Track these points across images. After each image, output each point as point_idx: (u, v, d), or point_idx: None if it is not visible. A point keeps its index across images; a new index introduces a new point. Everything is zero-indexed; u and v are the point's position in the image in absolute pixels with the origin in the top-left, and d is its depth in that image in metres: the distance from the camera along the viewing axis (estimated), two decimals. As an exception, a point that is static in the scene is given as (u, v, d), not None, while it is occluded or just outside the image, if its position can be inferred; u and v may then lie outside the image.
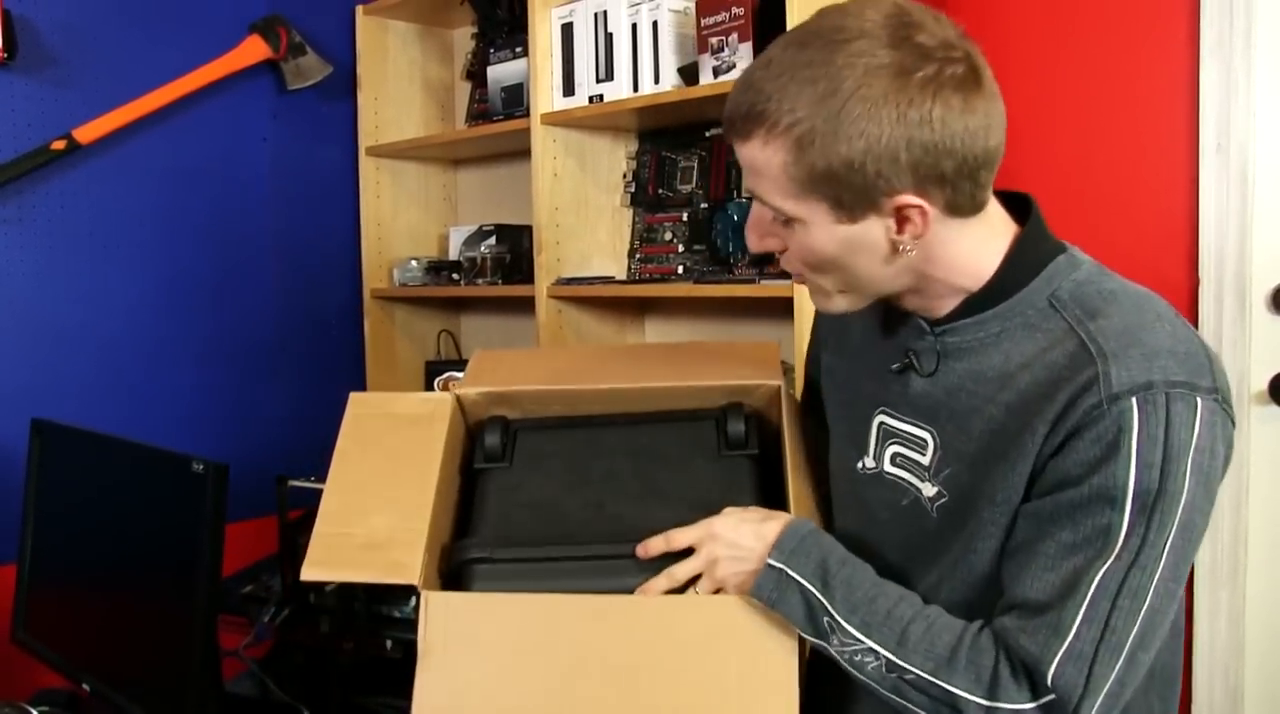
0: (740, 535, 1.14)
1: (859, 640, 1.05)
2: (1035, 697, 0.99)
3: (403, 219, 2.97)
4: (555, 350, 1.29)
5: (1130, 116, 1.94)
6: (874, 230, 1.02)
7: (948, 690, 1.01)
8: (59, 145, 2.34)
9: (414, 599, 1.69)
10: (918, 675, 1.03)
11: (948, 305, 1.09)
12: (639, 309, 2.60)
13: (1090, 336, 1.01)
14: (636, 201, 2.50)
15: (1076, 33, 1.99)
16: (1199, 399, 0.97)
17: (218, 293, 2.67)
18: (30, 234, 2.35)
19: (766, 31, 1.96)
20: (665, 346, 1.34)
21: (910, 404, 1.13)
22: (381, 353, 2.94)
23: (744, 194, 1.74)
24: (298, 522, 1.70)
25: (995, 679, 1.00)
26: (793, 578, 1.09)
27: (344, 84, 2.85)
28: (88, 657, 1.68)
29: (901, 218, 1.01)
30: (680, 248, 2.37)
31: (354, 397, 1.34)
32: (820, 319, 1.35)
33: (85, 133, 2.37)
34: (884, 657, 1.04)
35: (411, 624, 1.65)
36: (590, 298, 2.46)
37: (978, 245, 1.07)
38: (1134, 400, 0.96)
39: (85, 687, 1.65)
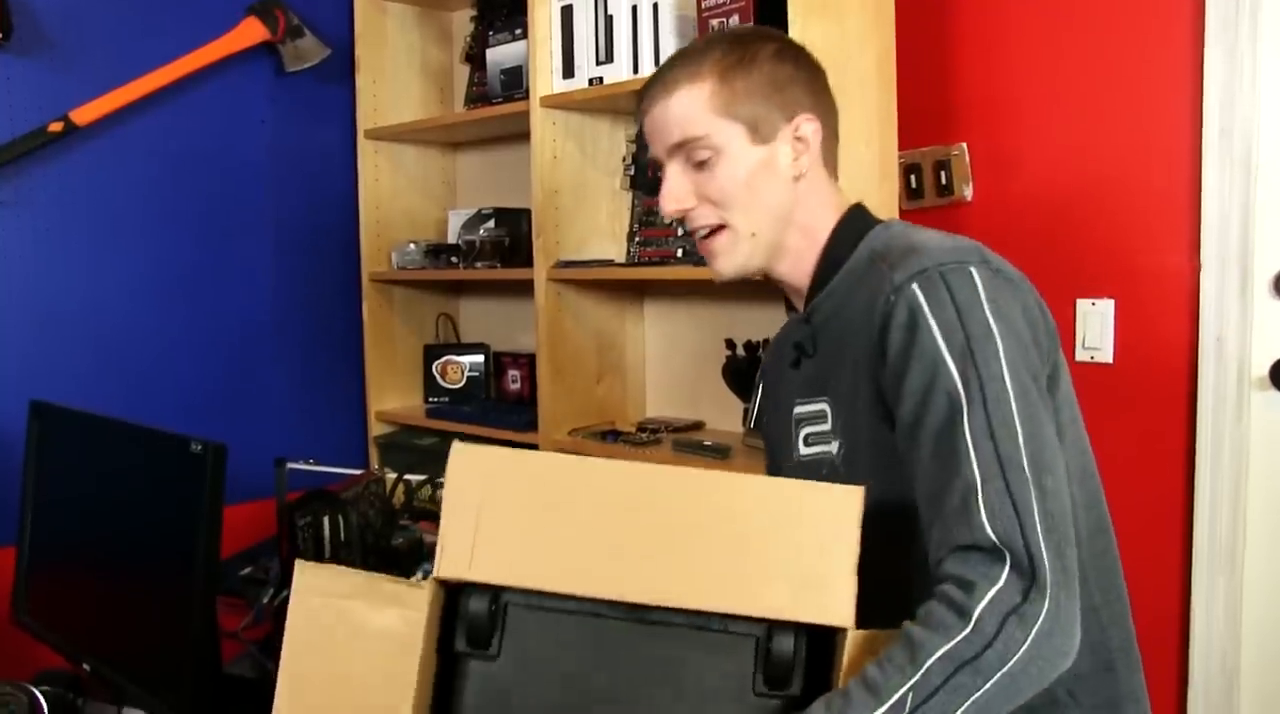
0: None
1: None
2: (994, 572, 0.98)
3: (401, 202, 2.96)
4: (574, 499, 1.06)
5: (1133, 100, 1.93)
6: (780, 153, 1.24)
7: (943, 657, 0.97)
8: (56, 127, 2.33)
9: (413, 579, 1.70)
10: (922, 681, 0.97)
11: (805, 271, 1.28)
12: (638, 292, 2.59)
13: (889, 265, 1.16)
14: (636, 184, 2.49)
15: (1079, 17, 1.99)
16: (971, 268, 1.11)
17: (216, 275, 2.66)
18: (27, 217, 2.35)
19: (767, 13, 1.96)
20: (728, 509, 1.05)
21: (807, 385, 1.28)
22: (380, 336, 2.94)
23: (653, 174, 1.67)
24: (296, 503, 1.70)
25: (952, 605, 0.98)
26: None
27: (342, 66, 2.84)
28: (88, 638, 1.68)
29: (800, 139, 1.24)
30: (680, 231, 2.37)
31: (301, 565, 1.16)
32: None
33: (82, 114, 2.36)
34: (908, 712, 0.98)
35: (410, 606, 1.65)
36: (589, 281, 2.46)
37: (828, 199, 1.28)
38: (914, 285, 1.11)
39: (86, 667, 1.65)
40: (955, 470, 1.03)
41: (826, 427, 1.25)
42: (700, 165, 1.24)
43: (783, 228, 1.26)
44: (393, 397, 2.95)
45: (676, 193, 1.26)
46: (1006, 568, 0.98)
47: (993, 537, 0.99)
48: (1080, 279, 1.99)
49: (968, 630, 0.97)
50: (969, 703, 0.97)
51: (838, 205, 1.29)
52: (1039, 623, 0.97)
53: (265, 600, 1.71)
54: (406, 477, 1.88)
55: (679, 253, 2.34)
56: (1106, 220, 1.94)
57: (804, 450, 1.28)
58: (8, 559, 1.91)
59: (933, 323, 1.09)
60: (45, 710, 1.49)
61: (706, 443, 2.22)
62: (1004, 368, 1.06)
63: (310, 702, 1.11)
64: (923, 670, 0.97)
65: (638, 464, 1.10)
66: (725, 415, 2.40)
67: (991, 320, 1.08)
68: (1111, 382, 1.97)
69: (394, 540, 1.73)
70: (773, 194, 1.25)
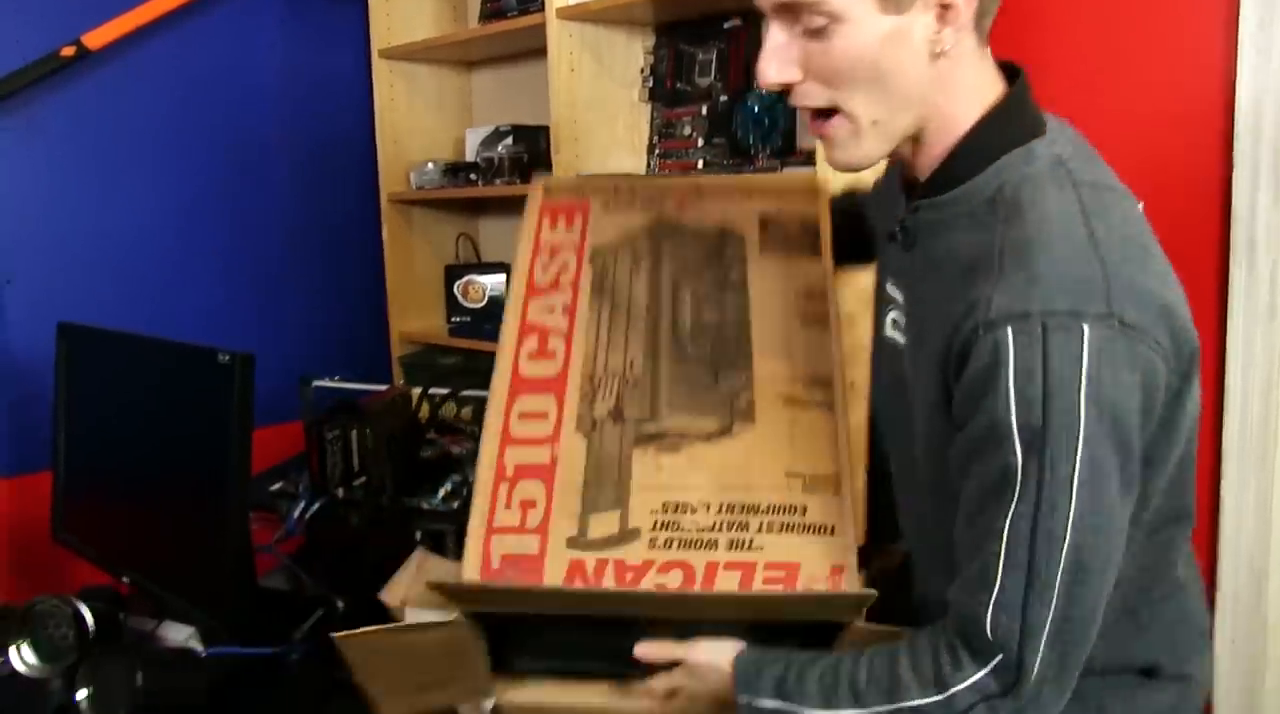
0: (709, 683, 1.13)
1: None
2: (982, 662, 0.97)
3: (418, 122, 2.94)
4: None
5: (1166, 86, 1.87)
6: (917, 25, 0.99)
7: (913, 708, 0.99)
8: (68, 52, 2.32)
9: (441, 490, 1.72)
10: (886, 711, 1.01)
11: (931, 162, 1.07)
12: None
13: (1000, 245, 0.98)
14: (655, 96, 2.46)
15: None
16: (1085, 326, 0.91)
17: (233, 201, 2.65)
18: (41, 143, 2.34)
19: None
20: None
21: (898, 272, 1.15)
22: (400, 257, 2.93)
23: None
24: (324, 417, 1.72)
25: (938, 670, 0.99)
26: (760, 707, 1.07)
27: (354, -15, 2.81)
28: (127, 553, 1.71)
29: (945, 10, 0.99)
30: (700, 142, 2.34)
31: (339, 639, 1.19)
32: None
33: (95, 38, 2.34)
34: None
35: (439, 515, 1.67)
36: (610, 196, 2.44)
37: (978, 81, 1.05)
38: (1009, 330, 0.92)
39: (125, 580, 1.68)
40: (986, 545, 0.96)
41: (901, 332, 1.14)
42: (814, 33, 1.00)
43: (913, 113, 1.04)
44: (415, 317, 2.96)
45: (780, 60, 1.03)
46: (995, 664, 0.97)
47: (990, 638, 0.96)
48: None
49: (940, 698, 0.98)
50: None
51: (986, 91, 1.05)
52: None
53: (296, 514, 1.73)
54: (431, 391, 1.88)
55: (699, 164, 2.31)
56: (1136, 116, 1.90)
57: (888, 330, 1.18)
58: (45, 483, 1.94)
59: (1012, 391, 0.92)
60: (89, 622, 1.51)
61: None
62: (1075, 468, 0.92)
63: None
64: (882, 709, 1.01)
65: None
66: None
67: (1083, 407, 0.91)
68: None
69: (422, 453, 1.74)
70: (902, 75, 1.01)
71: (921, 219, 1.08)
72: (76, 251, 2.36)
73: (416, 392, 1.81)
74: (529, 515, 1.17)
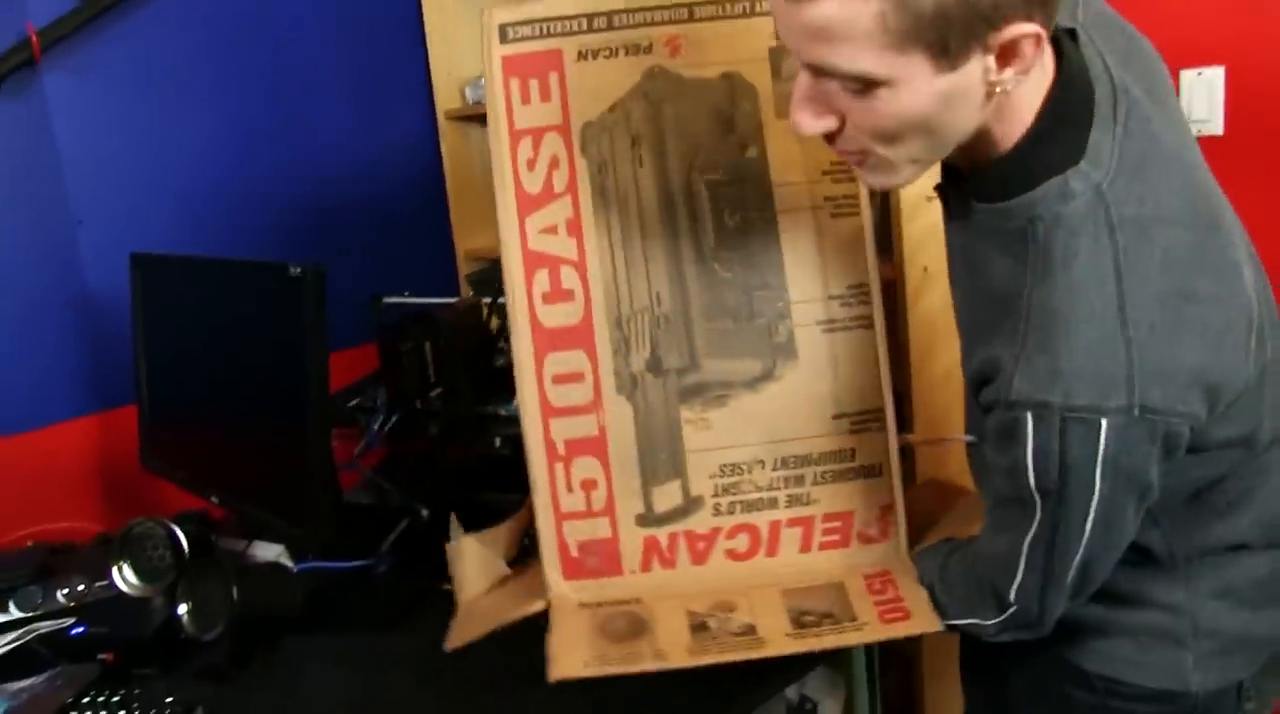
0: None
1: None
2: (1003, 610, 1.07)
3: (470, 36, 2.90)
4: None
5: None
6: (974, 74, 0.87)
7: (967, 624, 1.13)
8: (122, -13, 2.30)
9: (515, 397, 1.71)
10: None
11: (973, 162, 1.00)
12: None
13: (1027, 307, 0.95)
14: None
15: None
16: (1104, 421, 0.92)
17: (290, 127, 2.64)
18: (102, 82, 2.33)
19: None
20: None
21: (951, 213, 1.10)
22: (461, 174, 2.91)
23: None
24: (397, 331, 1.72)
25: (976, 609, 1.11)
26: None
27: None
28: (213, 475, 1.74)
29: (1008, 52, 0.86)
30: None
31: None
32: None
33: (147, -30, 2.32)
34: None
35: (514, 420, 1.67)
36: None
37: (1032, 88, 0.95)
38: (1028, 415, 0.94)
39: (215, 501, 1.71)
40: (1010, 534, 1.03)
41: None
42: (857, 91, 0.88)
43: (958, 141, 0.95)
44: (479, 234, 2.94)
45: (815, 108, 0.91)
46: (1014, 614, 1.07)
47: (1011, 602, 1.06)
48: (1184, 47, 1.87)
49: (983, 623, 1.11)
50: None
51: (1034, 96, 0.95)
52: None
53: (376, 427, 1.75)
54: (499, 301, 1.88)
55: None
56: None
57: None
58: (131, 417, 1.98)
59: (1030, 463, 0.95)
60: (184, 543, 1.55)
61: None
62: (1090, 517, 0.97)
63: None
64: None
65: None
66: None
67: (1098, 479, 0.94)
68: (1221, 154, 1.87)
69: (495, 362, 1.74)
70: (956, 123, 0.92)
71: (965, 201, 1.04)
72: (144, 186, 2.37)
73: (486, 302, 1.81)
74: (592, 497, 1.17)
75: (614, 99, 1.17)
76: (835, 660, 1.26)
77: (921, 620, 1.12)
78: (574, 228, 1.17)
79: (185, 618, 1.48)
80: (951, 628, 1.14)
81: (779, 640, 1.11)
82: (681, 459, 1.18)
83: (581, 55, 1.17)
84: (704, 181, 1.18)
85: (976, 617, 1.11)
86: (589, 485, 1.17)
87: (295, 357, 1.46)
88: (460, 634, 1.18)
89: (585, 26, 1.18)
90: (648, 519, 1.18)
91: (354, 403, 1.82)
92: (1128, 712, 1.12)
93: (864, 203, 1.19)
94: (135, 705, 1.34)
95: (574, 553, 1.17)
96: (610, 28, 1.17)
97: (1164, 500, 1.00)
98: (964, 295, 1.10)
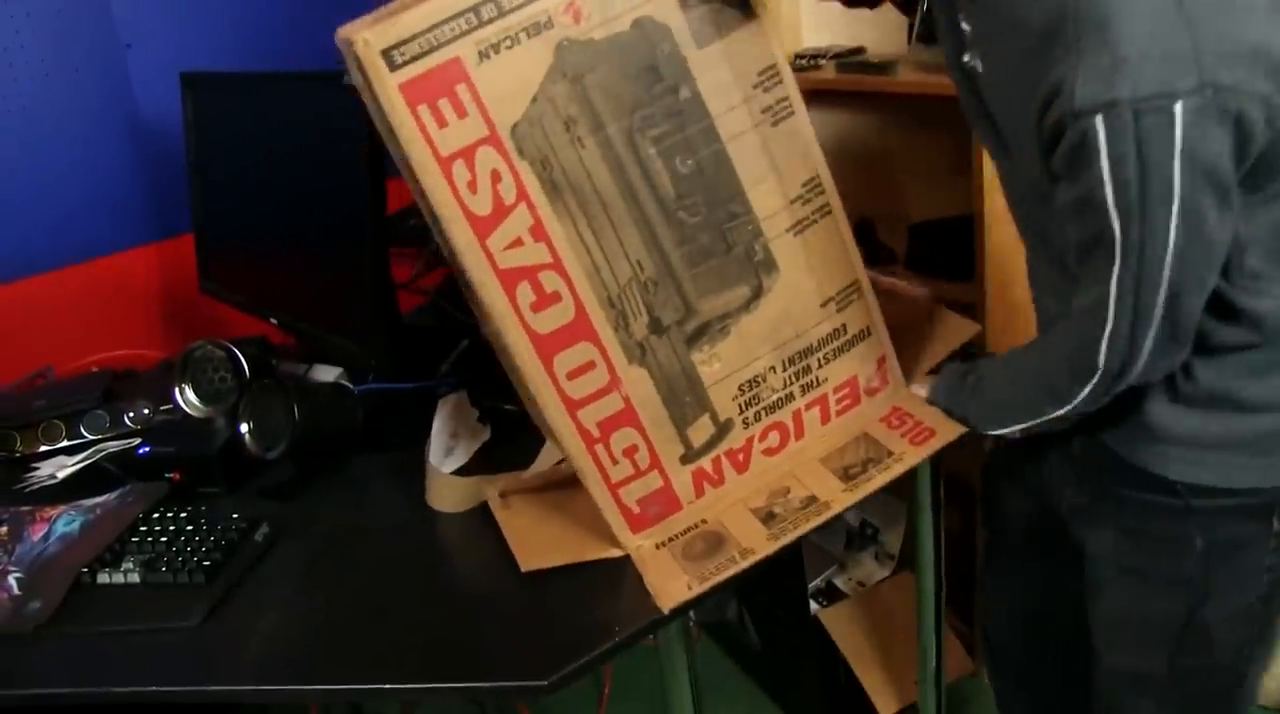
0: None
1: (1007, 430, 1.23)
2: (1087, 381, 1.07)
3: None
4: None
5: None
6: None
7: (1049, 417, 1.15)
8: None
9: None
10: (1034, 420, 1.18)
11: None
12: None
13: (1074, 15, 0.91)
14: None
15: None
16: (1177, 106, 0.88)
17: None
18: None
19: None
20: None
21: (966, 11, 1.10)
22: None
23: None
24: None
25: (1069, 389, 1.10)
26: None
27: None
28: (272, 296, 1.72)
29: None
30: None
31: None
32: None
33: None
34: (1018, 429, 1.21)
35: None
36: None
37: None
38: (1097, 119, 0.90)
39: (273, 322, 1.70)
40: (1097, 286, 1.01)
41: (980, 62, 1.11)
42: None
43: None
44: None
45: None
46: (1098, 380, 1.06)
47: (1098, 365, 1.05)
48: None
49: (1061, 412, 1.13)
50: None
51: None
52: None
53: (435, 245, 1.70)
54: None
55: None
56: None
57: (966, 59, 1.14)
58: (188, 245, 1.96)
59: (1106, 175, 0.92)
60: (243, 363, 1.54)
61: (871, 62, 2.07)
62: (1173, 224, 0.93)
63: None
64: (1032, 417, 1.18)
65: None
66: (887, 36, 2.23)
67: (1178, 175, 0.91)
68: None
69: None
70: None
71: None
72: (192, 6, 2.31)
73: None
74: (636, 459, 1.20)
75: (532, 89, 1.07)
76: (898, 486, 1.25)
77: (946, 432, 1.28)
78: (538, 232, 1.11)
79: (248, 437, 1.48)
80: (1023, 435, 1.20)
81: (839, 498, 1.23)
82: (704, 396, 1.22)
83: (482, 55, 1.04)
84: (648, 138, 1.13)
85: (1050, 408, 1.13)
86: (630, 451, 1.20)
87: (352, 172, 1.41)
88: (534, 557, 1.21)
89: (475, 21, 1.03)
90: (689, 456, 1.23)
91: (412, 222, 1.78)
92: (1214, 508, 1.13)
93: (795, 100, 1.19)
94: (202, 521, 1.35)
95: (635, 510, 1.21)
96: (501, 13, 1.04)
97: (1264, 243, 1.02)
98: (997, 80, 1.09)
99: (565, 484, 1.29)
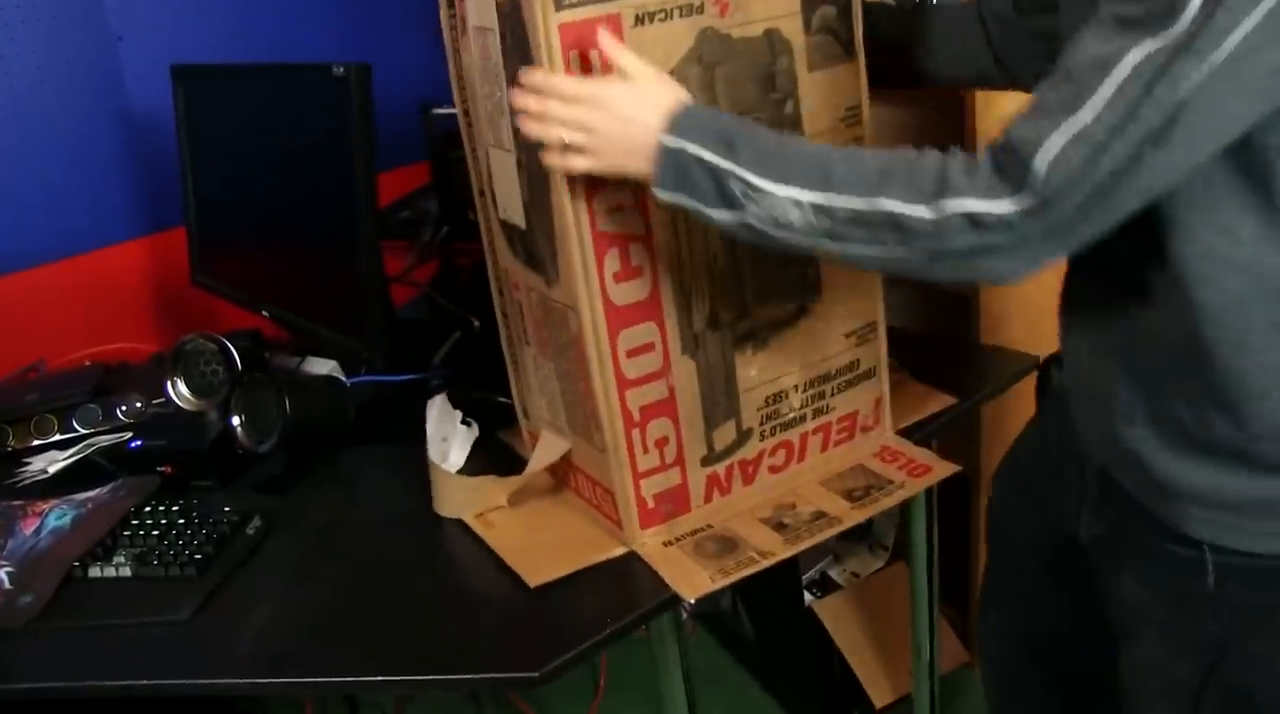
0: (632, 107, 1.03)
1: (777, 193, 0.95)
2: (999, 194, 0.85)
3: None
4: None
5: None
6: None
7: (882, 210, 0.89)
8: None
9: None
10: (847, 209, 0.91)
11: None
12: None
13: None
14: None
15: None
16: None
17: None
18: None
19: None
20: None
21: None
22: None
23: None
24: (447, 139, 1.67)
25: (943, 180, 0.87)
26: (693, 154, 0.98)
27: None
28: (264, 289, 1.72)
29: None
30: None
31: None
32: None
33: None
34: (806, 203, 0.93)
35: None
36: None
37: None
38: None
39: (265, 315, 1.69)
40: (1094, 72, 0.81)
41: None
42: None
43: None
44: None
45: None
46: (1013, 200, 0.85)
47: (1032, 171, 0.83)
48: None
49: (927, 212, 0.88)
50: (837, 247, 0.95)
51: None
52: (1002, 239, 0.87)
53: (427, 238, 1.71)
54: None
55: None
56: None
57: None
58: (181, 239, 1.96)
59: None
60: (235, 356, 1.53)
61: None
62: (1244, 26, 0.76)
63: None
64: (846, 202, 0.92)
65: None
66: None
67: None
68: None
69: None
70: None
71: None
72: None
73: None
74: (665, 451, 1.23)
75: (670, 64, 1.12)
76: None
77: (940, 469, 1.34)
78: (642, 203, 1.14)
79: (239, 430, 1.48)
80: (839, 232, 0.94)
81: (849, 514, 1.28)
82: (736, 399, 1.26)
83: (639, 19, 1.10)
84: None
85: (894, 197, 0.90)
86: (661, 443, 1.23)
87: (343, 163, 1.41)
88: (538, 571, 1.21)
89: None
90: (710, 458, 1.27)
91: (404, 215, 1.78)
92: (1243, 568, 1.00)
93: (867, 141, 1.27)
94: (194, 514, 1.35)
95: (650, 504, 1.24)
96: None
97: None
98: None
99: (542, 494, 1.35)
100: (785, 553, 1.21)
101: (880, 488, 1.32)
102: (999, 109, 1.74)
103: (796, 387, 1.30)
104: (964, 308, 1.86)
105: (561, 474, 1.35)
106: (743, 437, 1.28)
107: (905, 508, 1.62)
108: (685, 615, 2.30)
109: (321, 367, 1.66)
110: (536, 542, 1.27)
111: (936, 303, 1.96)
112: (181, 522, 1.34)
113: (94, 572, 1.28)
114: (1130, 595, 1.11)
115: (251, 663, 1.14)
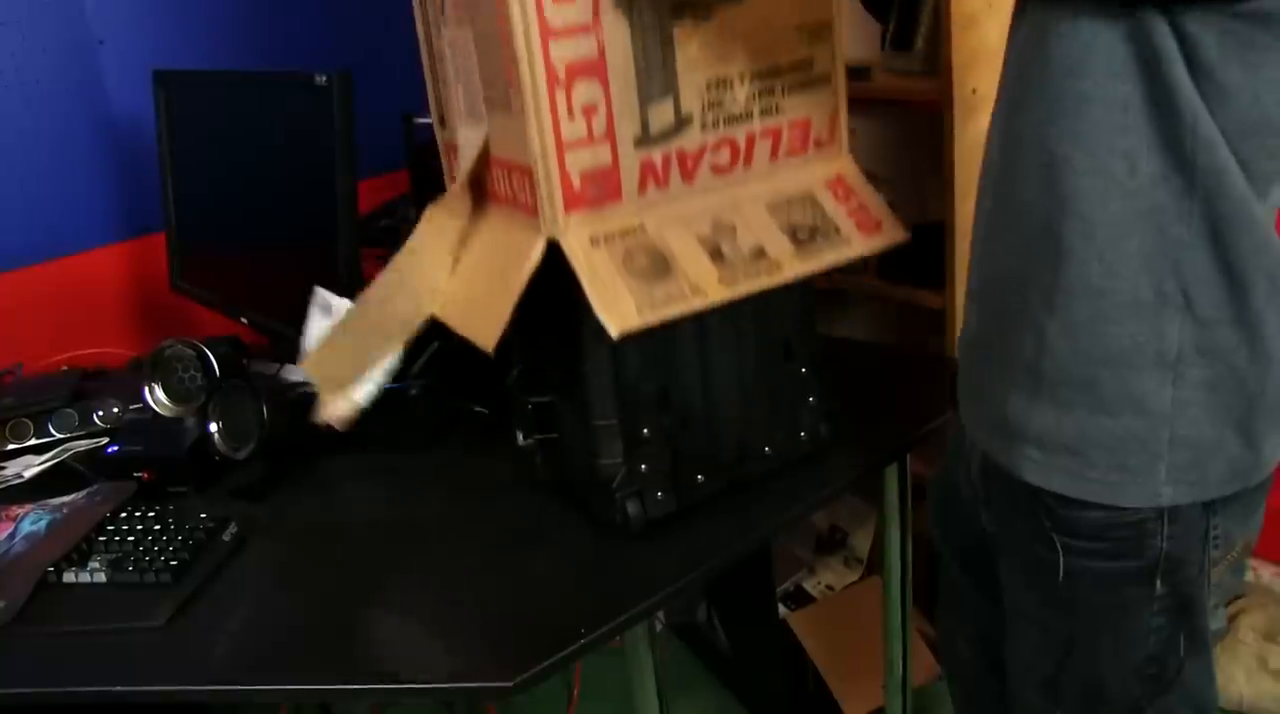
0: None
1: None
2: None
3: None
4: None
5: None
6: None
7: None
8: None
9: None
10: None
11: None
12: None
13: None
14: None
15: None
16: None
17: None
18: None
19: None
20: None
21: None
22: None
23: None
24: (427, 147, 1.67)
25: None
26: None
27: None
28: (243, 295, 1.72)
29: None
30: None
31: None
32: None
33: None
34: None
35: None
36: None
37: None
38: None
39: (244, 321, 1.69)
40: None
41: None
42: None
43: None
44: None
45: None
46: None
47: None
48: None
49: None
50: None
51: None
52: None
53: (408, 245, 1.71)
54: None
55: None
56: None
57: None
58: (160, 244, 1.96)
59: None
60: (213, 362, 1.53)
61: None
62: None
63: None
64: None
65: None
66: (860, 43, 2.24)
67: None
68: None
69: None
70: None
71: None
72: (165, 2, 2.30)
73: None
74: (594, 122, 1.14)
75: None
76: (867, 490, 1.25)
77: (890, 233, 1.29)
78: None
79: (217, 436, 1.48)
80: None
81: (791, 262, 1.22)
82: (674, 76, 1.18)
83: None
84: None
85: None
86: (589, 111, 1.14)
87: (324, 171, 1.42)
88: (487, 330, 1.15)
89: None
90: (644, 140, 1.18)
91: (384, 223, 1.78)
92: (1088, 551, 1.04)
93: None
94: (170, 520, 1.35)
95: (576, 185, 1.15)
96: None
97: None
98: None
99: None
100: (718, 296, 1.16)
101: (826, 235, 1.25)
102: (977, 124, 1.77)
103: (741, 77, 1.22)
104: (938, 321, 1.88)
105: (485, 186, 1.27)
106: (682, 122, 1.19)
107: (879, 520, 1.64)
108: (660, 626, 2.31)
109: (300, 374, 1.65)
110: (470, 295, 1.22)
111: (909, 317, 1.98)
112: (158, 528, 1.34)
113: (69, 577, 1.28)
114: (1007, 585, 1.15)
115: (227, 669, 1.14)
